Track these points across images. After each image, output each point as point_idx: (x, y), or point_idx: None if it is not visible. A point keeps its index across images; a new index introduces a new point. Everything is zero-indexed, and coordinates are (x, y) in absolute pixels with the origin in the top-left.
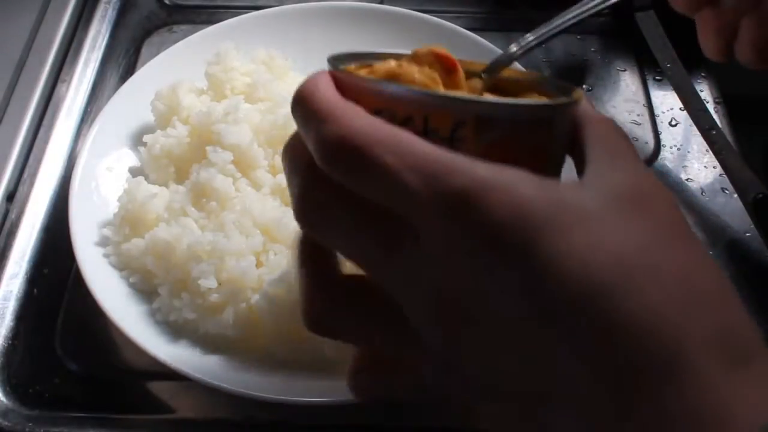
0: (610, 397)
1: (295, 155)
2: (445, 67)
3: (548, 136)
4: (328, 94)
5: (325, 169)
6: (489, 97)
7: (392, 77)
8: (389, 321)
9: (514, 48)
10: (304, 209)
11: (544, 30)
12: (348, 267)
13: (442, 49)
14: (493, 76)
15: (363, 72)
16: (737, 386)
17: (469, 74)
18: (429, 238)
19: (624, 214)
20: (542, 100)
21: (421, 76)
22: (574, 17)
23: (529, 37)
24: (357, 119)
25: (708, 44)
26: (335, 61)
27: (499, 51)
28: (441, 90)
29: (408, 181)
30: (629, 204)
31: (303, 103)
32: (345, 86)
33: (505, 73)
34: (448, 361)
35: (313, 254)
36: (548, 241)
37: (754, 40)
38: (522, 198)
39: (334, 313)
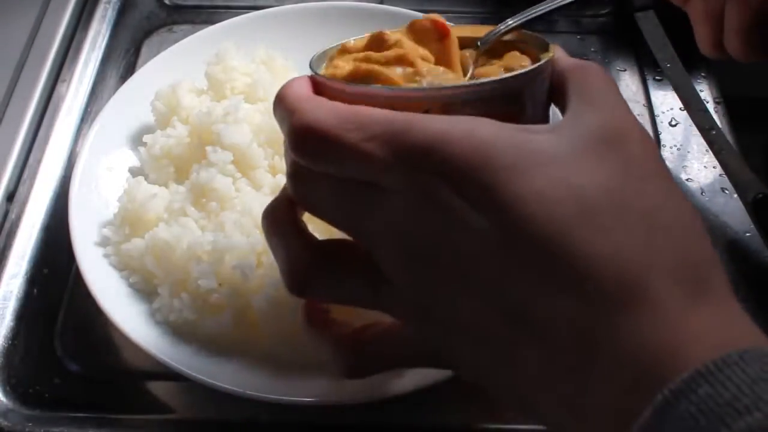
0: (571, 330)
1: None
2: (438, 34)
3: (517, 102)
4: (298, 91)
5: (297, 158)
6: (446, 84)
7: (363, 76)
8: (368, 277)
9: (501, 27)
10: (293, 187)
11: (526, 14)
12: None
13: (438, 18)
14: (484, 47)
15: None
16: (694, 319)
17: (466, 44)
18: (397, 194)
19: (592, 156)
20: (499, 77)
21: (388, 72)
22: (557, 3)
23: (509, 21)
24: (318, 108)
25: (701, 38)
26: (318, 60)
27: None
28: (403, 85)
29: (369, 149)
30: (600, 145)
31: (278, 103)
32: (321, 87)
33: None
34: (421, 308)
35: (287, 222)
36: (510, 182)
37: (738, 27)
38: (480, 142)
39: (315, 272)
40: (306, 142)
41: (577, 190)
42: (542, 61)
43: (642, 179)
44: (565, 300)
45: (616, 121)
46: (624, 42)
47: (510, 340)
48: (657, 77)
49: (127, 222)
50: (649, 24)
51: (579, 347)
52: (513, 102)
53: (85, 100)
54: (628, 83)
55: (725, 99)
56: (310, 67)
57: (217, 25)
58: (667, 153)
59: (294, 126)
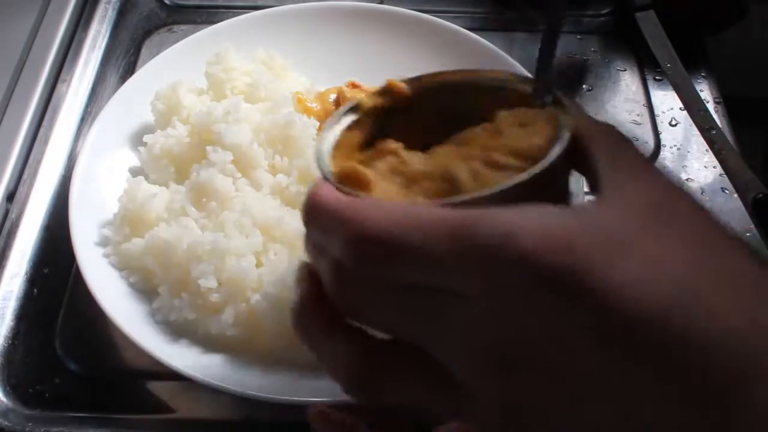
0: (701, 417)
1: (319, 254)
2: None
3: (553, 176)
4: (331, 199)
5: (357, 270)
6: (475, 195)
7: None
8: (439, 382)
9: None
10: (340, 296)
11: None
12: None
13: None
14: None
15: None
16: None
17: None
18: (473, 297)
19: (661, 230)
20: (546, 163)
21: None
22: None
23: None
24: (374, 213)
25: None
26: (323, 161)
27: (500, 51)
28: (448, 199)
29: (438, 252)
30: (660, 217)
31: (319, 213)
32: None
33: (493, 75)
34: (509, 413)
35: (324, 319)
36: (599, 270)
37: None
38: (556, 229)
39: (377, 368)
40: (368, 254)
41: (667, 269)
42: (569, 132)
43: (717, 248)
44: (694, 391)
45: (665, 192)
46: (624, 42)
47: None
48: (657, 77)
49: (127, 222)
50: (649, 24)
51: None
52: (551, 178)
53: (85, 100)
54: (628, 83)
55: (725, 99)
56: (320, 169)
57: (217, 25)
58: (667, 153)
59: (351, 238)
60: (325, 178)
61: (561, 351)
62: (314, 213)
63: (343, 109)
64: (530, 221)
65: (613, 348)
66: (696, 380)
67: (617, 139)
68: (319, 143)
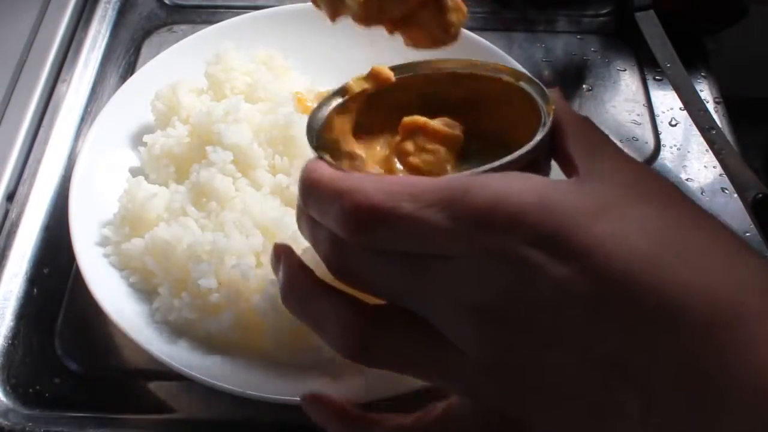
0: (673, 366)
1: (315, 226)
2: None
3: (533, 164)
4: (326, 176)
5: (354, 241)
6: (492, 164)
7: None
8: (431, 345)
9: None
10: (336, 265)
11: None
12: None
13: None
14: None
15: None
16: None
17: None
18: (463, 260)
19: (639, 200)
20: (534, 141)
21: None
22: None
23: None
24: (365, 185)
25: None
26: (317, 145)
27: (500, 51)
28: (451, 174)
29: (428, 218)
30: (634, 190)
31: (314, 189)
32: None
33: (476, 67)
34: (498, 374)
35: (318, 289)
36: (583, 226)
37: None
38: (541, 194)
39: (374, 333)
40: (361, 223)
41: (645, 226)
42: (551, 116)
43: (690, 218)
44: (664, 336)
45: (638, 174)
46: (624, 42)
47: (605, 392)
48: (657, 77)
49: (127, 222)
50: (649, 24)
51: (685, 383)
52: (537, 157)
53: (85, 100)
54: (628, 83)
55: (725, 99)
56: (314, 151)
57: (217, 25)
58: (667, 153)
59: (346, 209)
60: (319, 156)
61: (541, 306)
62: (310, 189)
63: (331, 91)
64: (518, 186)
65: (589, 296)
66: (671, 324)
67: (594, 129)
68: (310, 122)
